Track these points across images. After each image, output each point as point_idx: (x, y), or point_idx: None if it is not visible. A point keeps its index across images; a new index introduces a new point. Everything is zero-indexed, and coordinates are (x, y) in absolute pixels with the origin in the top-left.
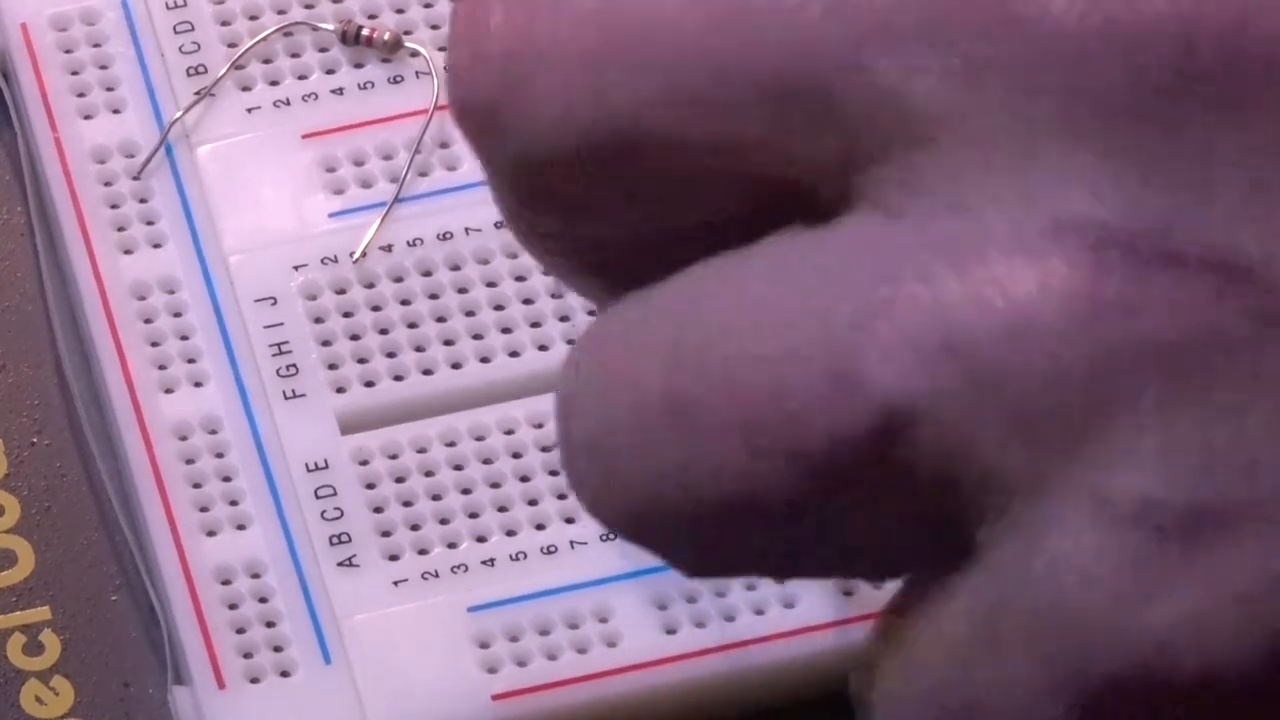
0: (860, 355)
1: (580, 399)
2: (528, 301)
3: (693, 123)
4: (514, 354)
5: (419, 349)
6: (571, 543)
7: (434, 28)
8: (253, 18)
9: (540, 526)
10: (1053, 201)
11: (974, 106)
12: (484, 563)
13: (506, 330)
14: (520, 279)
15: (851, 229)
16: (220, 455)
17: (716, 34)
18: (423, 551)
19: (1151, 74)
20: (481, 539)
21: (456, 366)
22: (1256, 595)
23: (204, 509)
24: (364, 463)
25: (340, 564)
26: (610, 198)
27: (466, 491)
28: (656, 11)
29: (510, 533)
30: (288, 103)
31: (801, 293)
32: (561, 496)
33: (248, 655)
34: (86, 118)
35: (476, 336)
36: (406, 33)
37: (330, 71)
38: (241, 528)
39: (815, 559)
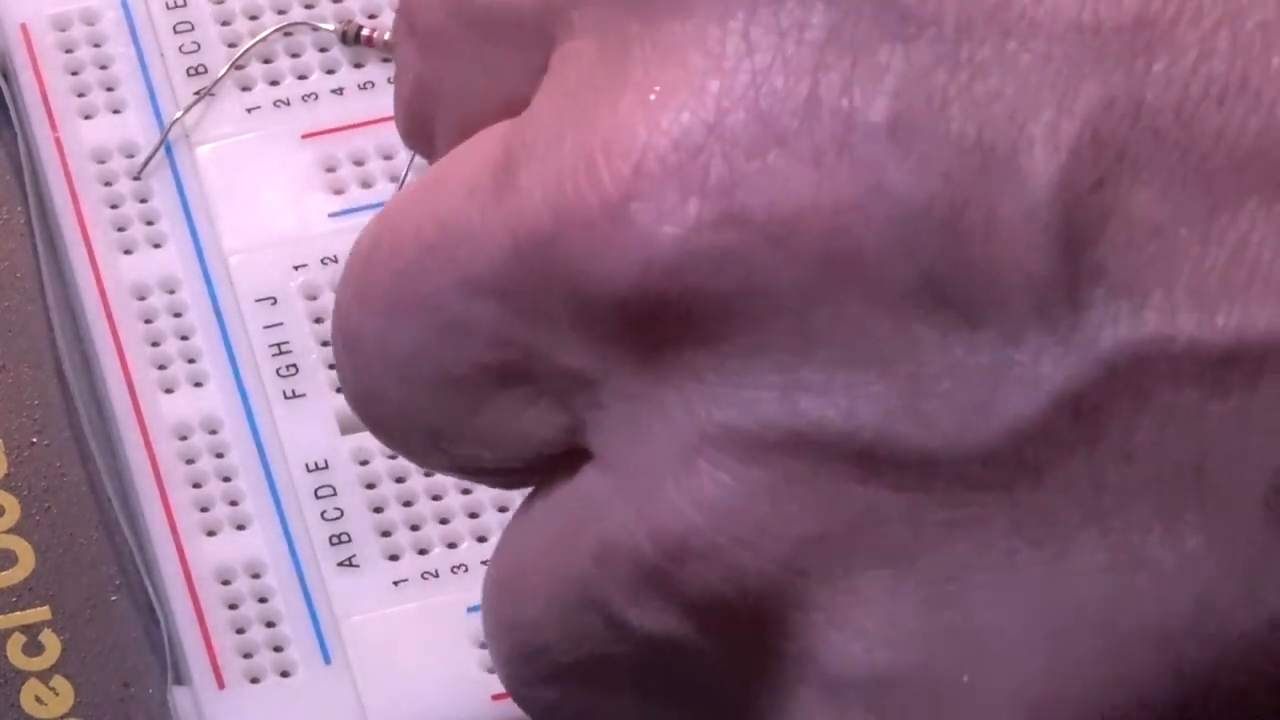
0: (609, 595)
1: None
2: None
3: (444, 416)
4: None
5: None
6: None
7: None
8: (253, 18)
9: None
10: (692, 420)
11: (620, 371)
12: (484, 563)
13: None
14: None
15: (582, 480)
16: (220, 455)
17: (429, 338)
18: (423, 551)
19: (769, 287)
20: (481, 539)
21: None
22: None
23: (204, 509)
24: (364, 463)
25: (340, 564)
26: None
27: (466, 492)
28: (388, 284)
29: None
30: (288, 103)
31: (556, 538)
32: None
33: (248, 655)
34: (86, 118)
35: None
36: None
37: (330, 71)
38: (241, 528)
39: None
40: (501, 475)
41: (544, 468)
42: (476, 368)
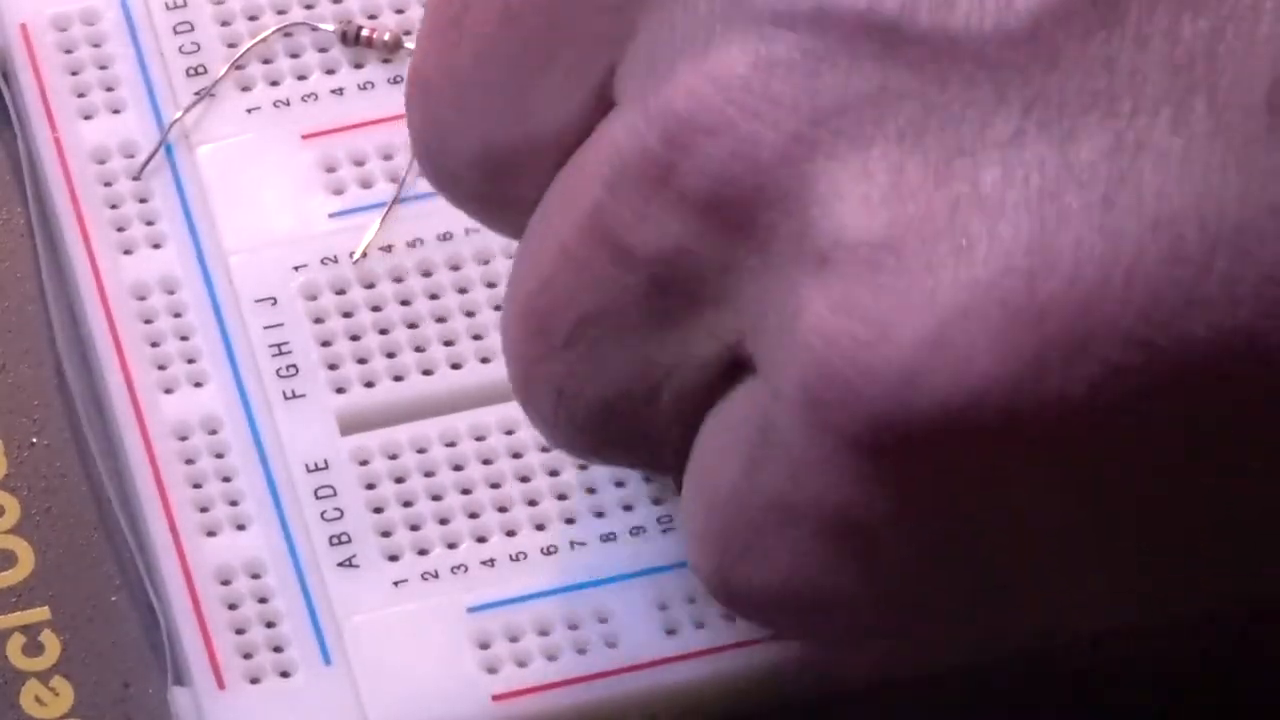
0: (618, 217)
1: None
2: None
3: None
4: None
5: (419, 349)
6: (571, 543)
7: None
8: (253, 18)
9: (540, 527)
10: (713, 3)
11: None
12: (484, 563)
13: None
14: None
15: (602, 126)
16: (220, 455)
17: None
18: (423, 552)
19: None
20: (481, 539)
21: (456, 367)
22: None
23: (204, 509)
24: (364, 463)
25: (340, 564)
26: None
27: (466, 491)
28: None
29: (510, 533)
30: (288, 103)
31: (567, 182)
32: (561, 497)
33: (248, 656)
34: (86, 118)
35: (476, 337)
36: (406, 33)
37: (330, 71)
38: (241, 528)
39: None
40: None
41: None
42: None
